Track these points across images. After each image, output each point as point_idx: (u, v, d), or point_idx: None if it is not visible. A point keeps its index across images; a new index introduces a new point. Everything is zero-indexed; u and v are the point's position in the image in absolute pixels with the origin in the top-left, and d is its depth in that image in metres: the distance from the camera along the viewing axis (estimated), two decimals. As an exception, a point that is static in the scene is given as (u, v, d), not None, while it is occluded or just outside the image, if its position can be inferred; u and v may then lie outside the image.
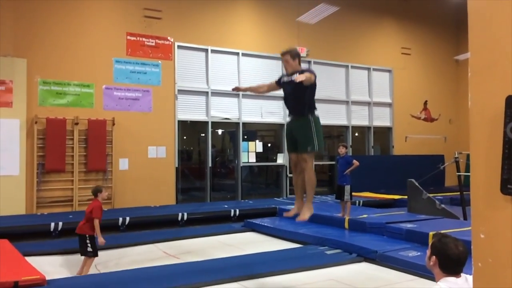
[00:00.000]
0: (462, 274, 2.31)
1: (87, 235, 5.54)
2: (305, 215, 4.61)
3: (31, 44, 9.33)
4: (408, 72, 14.72)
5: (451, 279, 2.27)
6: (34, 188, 9.10)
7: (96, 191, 5.86)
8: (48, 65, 9.49)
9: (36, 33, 9.42)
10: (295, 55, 4.71)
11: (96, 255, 5.62)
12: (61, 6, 9.68)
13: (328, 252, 6.35)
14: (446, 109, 15.41)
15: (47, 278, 4.83)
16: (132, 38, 10.38)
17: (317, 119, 4.63)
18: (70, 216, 8.40)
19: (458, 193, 9.21)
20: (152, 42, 10.59)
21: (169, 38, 10.80)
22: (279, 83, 4.89)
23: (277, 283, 5.08)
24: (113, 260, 6.33)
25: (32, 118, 9.19)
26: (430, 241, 2.49)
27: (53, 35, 9.57)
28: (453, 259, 2.28)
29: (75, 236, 7.49)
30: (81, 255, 5.64)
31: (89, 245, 5.53)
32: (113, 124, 9.92)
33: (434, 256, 2.33)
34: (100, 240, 5.59)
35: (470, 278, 2.27)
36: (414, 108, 14.82)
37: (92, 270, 5.65)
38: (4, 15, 9.09)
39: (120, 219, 8.19)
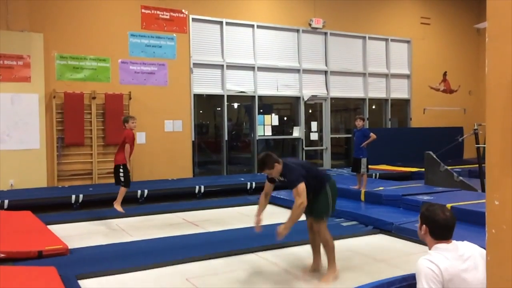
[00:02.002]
0: (453, 241, 2.39)
1: (120, 165, 6.03)
2: (329, 279, 4.22)
3: (47, 19, 9.37)
4: (427, 42, 14.37)
5: (442, 245, 2.35)
6: (55, 162, 9.29)
7: (124, 121, 6.48)
8: (64, 39, 9.54)
9: (52, 7, 9.44)
10: (269, 165, 4.18)
11: (127, 186, 6.12)
12: (76, -21, 9.65)
13: (344, 224, 6.40)
14: (466, 80, 15.07)
15: (70, 247, 4.99)
16: (147, 11, 10.33)
17: (333, 184, 4.35)
18: (90, 189, 8.61)
19: (477, 165, 9.11)
20: (167, 15, 10.53)
21: (183, 10, 10.71)
22: (272, 181, 4.44)
23: (293, 254, 5.16)
24: (135, 225, 6.53)
25: (50, 92, 9.30)
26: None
27: (68, 9, 9.58)
28: (441, 224, 2.36)
29: (95, 208, 7.76)
30: (115, 184, 6.35)
31: (121, 174, 6.07)
32: (130, 98, 9.99)
33: (424, 225, 2.43)
34: (128, 165, 6.35)
35: (461, 244, 2.37)
36: (433, 79, 14.53)
37: (114, 232, 5.82)
38: (20, -10, 9.11)
39: (139, 191, 8.34)
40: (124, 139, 6.37)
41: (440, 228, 2.37)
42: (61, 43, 9.51)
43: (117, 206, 6.58)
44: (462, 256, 2.30)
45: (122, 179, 6.34)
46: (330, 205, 4.30)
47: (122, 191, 6.46)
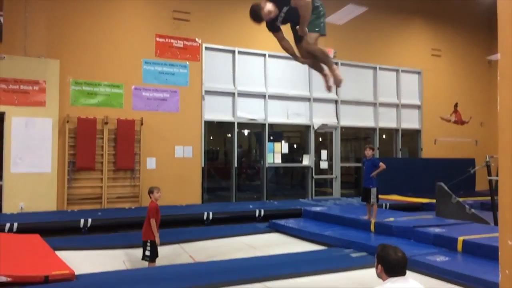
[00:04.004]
0: (405, 276, 2.70)
1: (148, 241, 5.69)
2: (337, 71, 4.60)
3: (64, 46, 9.60)
4: (438, 73, 14.42)
5: (394, 278, 2.68)
6: (65, 185, 9.35)
7: (149, 192, 6.07)
8: (80, 66, 9.74)
9: (69, 35, 9.68)
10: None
11: (153, 260, 5.72)
12: (93, 8, 9.92)
13: (354, 255, 6.29)
14: (477, 112, 15.02)
15: (76, 273, 4.96)
16: (161, 40, 10.55)
17: None
18: (99, 213, 8.61)
19: (489, 197, 8.97)
20: (181, 44, 10.73)
21: (197, 39, 10.92)
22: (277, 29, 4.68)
23: (301, 285, 5.07)
24: (140, 256, 6.45)
25: (64, 117, 9.44)
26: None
27: (85, 37, 9.82)
28: (394, 264, 2.68)
29: (104, 232, 7.74)
30: (142, 259, 5.81)
31: (148, 249, 5.68)
32: (142, 124, 10.10)
33: (379, 265, 2.73)
34: (157, 240, 5.74)
35: (411, 279, 2.72)
36: (444, 110, 14.51)
37: (119, 266, 5.77)
38: (38, 18, 9.38)
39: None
40: (148, 212, 5.93)
41: (393, 267, 2.68)
42: (77, 69, 9.71)
43: None
44: (411, 285, 2.65)
45: (148, 253, 5.74)
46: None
47: (152, 266, 5.80)
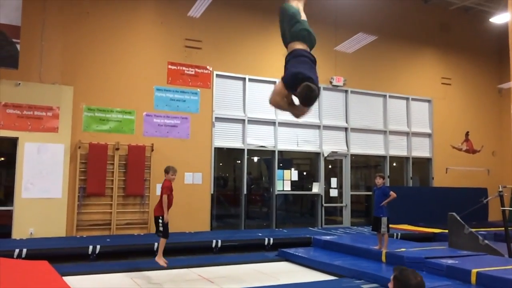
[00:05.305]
0: None
1: (160, 216, 6.05)
2: None
3: (78, 73, 9.79)
4: (448, 102, 14.41)
5: None
6: (75, 211, 9.37)
7: (164, 171, 6.77)
8: (93, 92, 9.90)
9: (83, 62, 9.89)
10: None
11: (166, 236, 6.11)
12: (107, 36, 10.15)
13: (364, 286, 6.16)
14: (489, 141, 14.91)
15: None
16: (173, 67, 10.72)
17: None
18: (108, 240, 8.58)
19: (503, 228, 8.80)
20: (192, 71, 10.89)
21: (208, 67, 11.08)
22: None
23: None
24: (150, 279, 6.42)
25: (76, 143, 9.54)
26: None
27: (98, 64, 10.02)
28: None
29: (112, 260, 7.70)
30: (155, 233, 6.38)
31: (160, 225, 6.08)
32: (152, 150, 10.16)
33: None
34: (165, 216, 6.25)
35: None
36: (455, 139, 14.43)
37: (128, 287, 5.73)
38: (54, 45, 9.61)
39: (156, 244, 8.25)
40: (161, 189, 6.54)
41: None
42: (90, 95, 9.87)
43: (159, 260, 6.48)
44: None
45: (161, 229, 6.38)
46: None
47: (162, 242, 6.45)
